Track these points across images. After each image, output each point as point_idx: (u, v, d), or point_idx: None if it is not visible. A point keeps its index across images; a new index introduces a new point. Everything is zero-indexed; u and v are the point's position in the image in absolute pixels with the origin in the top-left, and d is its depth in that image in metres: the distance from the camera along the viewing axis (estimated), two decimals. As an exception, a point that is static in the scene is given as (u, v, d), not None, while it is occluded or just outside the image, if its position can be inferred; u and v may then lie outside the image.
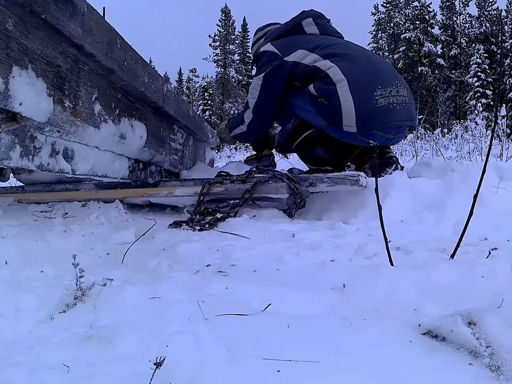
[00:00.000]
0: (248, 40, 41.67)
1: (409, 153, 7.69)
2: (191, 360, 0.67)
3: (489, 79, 30.15)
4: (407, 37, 34.27)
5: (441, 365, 0.70)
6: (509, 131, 8.44)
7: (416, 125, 2.65)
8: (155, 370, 0.65)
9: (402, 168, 2.54)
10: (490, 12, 36.58)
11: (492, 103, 27.90)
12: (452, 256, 1.18)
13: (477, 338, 0.72)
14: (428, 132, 9.72)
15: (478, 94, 29.50)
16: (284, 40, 2.66)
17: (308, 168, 2.75)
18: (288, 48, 2.54)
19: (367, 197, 2.06)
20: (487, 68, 30.63)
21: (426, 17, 35.24)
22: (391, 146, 2.65)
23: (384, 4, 39.01)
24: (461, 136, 8.12)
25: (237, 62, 42.01)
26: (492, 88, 29.47)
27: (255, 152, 3.17)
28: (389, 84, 2.36)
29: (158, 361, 0.65)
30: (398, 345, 0.77)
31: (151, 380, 0.64)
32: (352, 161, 2.68)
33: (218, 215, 2.05)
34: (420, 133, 8.40)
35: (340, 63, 2.35)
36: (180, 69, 46.84)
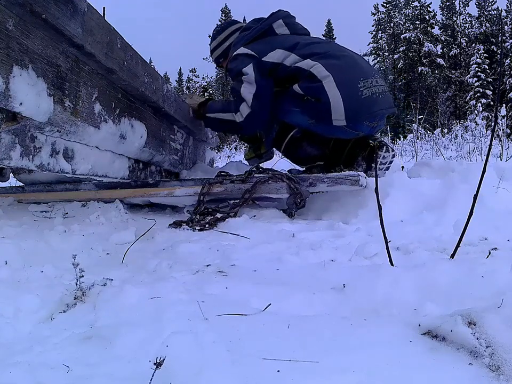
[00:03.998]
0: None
1: (409, 153, 7.70)
2: (191, 360, 0.67)
3: (489, 79, 30.15)
4: (407, 37, 34.28)
5: (441, 365, 0.70)
6: (509, 131, 8.44)
7: (396, 111, 2.71)
8: (155, 370, 0.65)
9: (393, 149, 2.57)
10: (490, 12, 36.58)
11: (492, 103, 27.90)
12: (452, 256, 1.18)
13: (477, 338, 0.73)
14: (428, 132, 9.72)
15: (478, 94, 29.51)
16: (257, 43, 2.61)
17: (303, 169, 2.74)
18: (264, 49, 2.52)
19: (367, 197, 2.06)
20: (487, 67, 30.63)
21: (426, 17, 35.26)
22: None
23: (384, 4, 38.98)
24: (461, 136, 8.12)
25: (237, 62, 41.90)
26: (492, 88, 29.46)
27: (249, 146, 3.12)
28: (369, 75, 2.43)
29: (158, 361, 0.65)
30: (398, 345, 0.77)
31: (151, 380, 0.64)
32: (345, 157, 2.66)
33: (218, 215, 2.05)
34: (420, 133, 8.39)
35: (322, 60, 2.38)
36: (180, 69, 46.83)
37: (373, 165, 2.46)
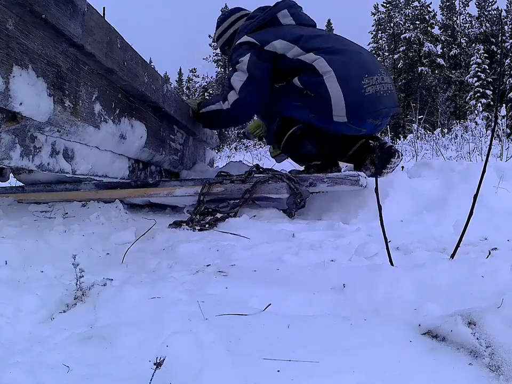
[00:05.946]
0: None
1: (409, 153, 7.69)
2: (191, 360, 0.67)
3: (489, 79, 30.15)
4: (407, 37, 34.28)
5: (441, 365, 0.70)
6: (509, 131, 8.44)
7: (400, 111, 2.68)
8: (155, 370, 0.65)
9: (402, 154, 2.57)
10: (490, 12, 36.59)
11: (492, 103, 27.90)
12: (452, 256, 1.18)
13: (477, 338, 0.73)
14: (428, 132, 9.72)
15: (478, 94, 29.51)
16: (260, 32, 2.57)
17: (302, 168, 2.74)
18: (267, 39, 2.48)
19: (367, 197, 2.06)
20: (487, 67, 30.64)
21: (426, 17, 35.26)
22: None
23: (384, 4, 38.97)
24: (461, 136, 8.12)
25: (237, 62, 41.88)
26: (492, 88, 29.47)
27: (264, 141, 3.07)
28: (375, 72, 2.39)
29: (158, 361, 0.65)
30: (398, 345, 0.77)
31: (151, 380, 0.64)
32: (351, 159, 2.66)
33: (218, 215, 2.05)
34: (420, 133, 8.40)
35: (325, 55, 2.35)
36: (180, 69, 46.79)
37: (383, 170, 2.42)
